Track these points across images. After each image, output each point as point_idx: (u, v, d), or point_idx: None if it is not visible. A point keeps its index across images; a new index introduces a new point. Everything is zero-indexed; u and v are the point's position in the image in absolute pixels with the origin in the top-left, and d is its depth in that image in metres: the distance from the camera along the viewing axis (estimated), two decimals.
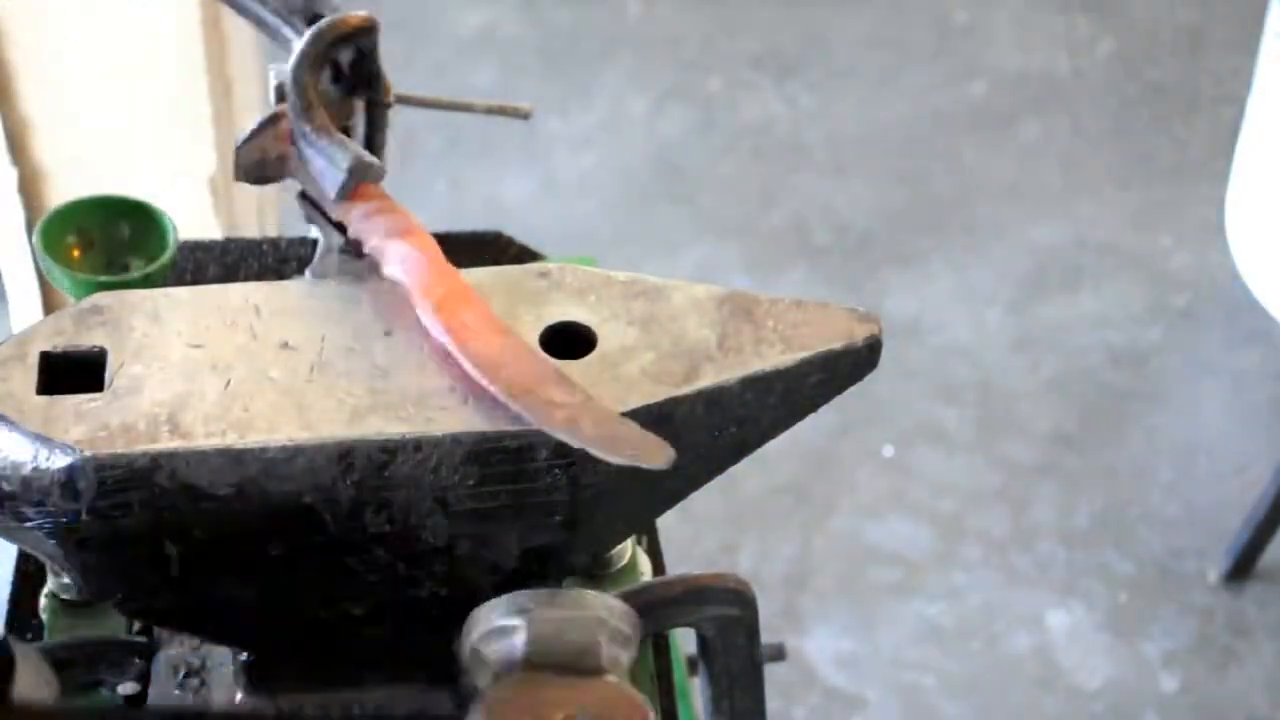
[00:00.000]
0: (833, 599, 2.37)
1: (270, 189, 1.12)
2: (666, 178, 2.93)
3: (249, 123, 0.95)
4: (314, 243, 1.14)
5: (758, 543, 2.42)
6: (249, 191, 2.14)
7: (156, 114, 1.99)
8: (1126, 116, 3.05)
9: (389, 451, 0.84)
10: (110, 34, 1.93)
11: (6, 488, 0.84)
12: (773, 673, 2.25)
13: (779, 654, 1.31)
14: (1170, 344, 2.68)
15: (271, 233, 2.11)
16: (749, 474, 2.45)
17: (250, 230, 2.16)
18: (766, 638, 2.35)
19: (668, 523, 2.42)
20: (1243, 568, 2.38)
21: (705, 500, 2.47)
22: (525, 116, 1.14)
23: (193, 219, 2.04)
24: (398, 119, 1.03)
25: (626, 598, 0.88)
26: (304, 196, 0.97)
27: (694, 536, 2.41)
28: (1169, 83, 3.10)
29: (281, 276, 1.30)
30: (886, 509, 2.46)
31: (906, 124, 3.03)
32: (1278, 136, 2.25)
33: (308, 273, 1.07)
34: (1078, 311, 2.73)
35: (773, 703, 2.26)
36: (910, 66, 3.13)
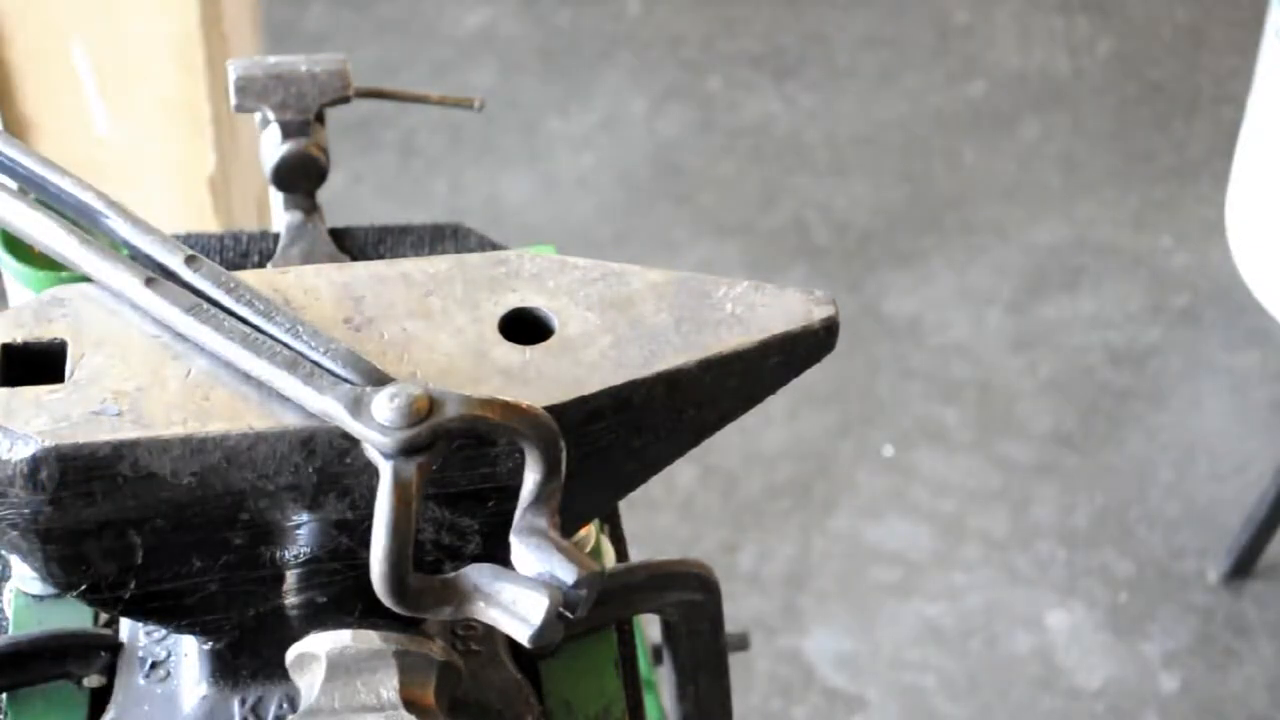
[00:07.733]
0: (833, 599, 2.37)
1: (270, 189, 1.13)
2: (666, 177, 2.93)
3: (248, 123, 0.95)
4: (275, 236, 1.15)
5: (758, 543, 2.42)
6: (248, 191, 2.15)
7: (156, 114, 1.99)
8: (1126, 116, 3.04)
9: (350, 438, 0.84)
10: (110, 34, 1.93)
11: None
12: (773, 672, 2.26)
13: (742, 643, 1.31)
14: (1170, 344, 2.68)
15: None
16: (749, 474, 2.45)
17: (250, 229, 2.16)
18: (767, 637, 2.34)
19: (667, 522, 2.43)
20: (1243, 568, 2.38)
21: (705, 500, 2.49)
22: (477, 109, 1.15)
23: (192, 219, 2.04)
24: (399, 119, 1.03)
25: None
26: None
27: (694, 536, 2.41)
28: (1169, 83, 3.10)
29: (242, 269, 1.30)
30: (886, 509, 2.45)
31: (906, 124, 3.02)
32: (1278, 136, 2.25)
33: (269, 266, 1.07)
34: (1077, 311, 2.72)
35: (773, 702, 2.27)
36: (910, 66, 3.13)
